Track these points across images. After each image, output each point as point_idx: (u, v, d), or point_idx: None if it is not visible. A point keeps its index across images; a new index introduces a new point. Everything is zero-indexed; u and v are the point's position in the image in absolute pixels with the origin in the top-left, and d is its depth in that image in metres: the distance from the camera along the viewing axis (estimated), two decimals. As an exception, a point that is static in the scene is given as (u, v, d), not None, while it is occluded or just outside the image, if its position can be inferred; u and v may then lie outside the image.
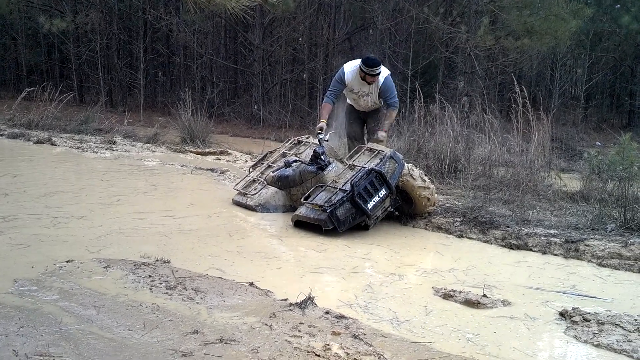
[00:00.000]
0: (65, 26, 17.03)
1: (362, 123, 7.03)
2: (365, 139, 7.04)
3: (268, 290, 3.71)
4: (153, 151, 9.70)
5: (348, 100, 6.96)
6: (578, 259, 5.01)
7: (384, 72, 6.47)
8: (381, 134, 6.38)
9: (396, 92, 6.61)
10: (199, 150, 10.20)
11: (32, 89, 12.01)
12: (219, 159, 9.53)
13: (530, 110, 8.27)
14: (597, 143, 15.73)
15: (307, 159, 6.07)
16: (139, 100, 17.99)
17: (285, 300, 3.54)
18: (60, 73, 21.15)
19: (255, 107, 17.68)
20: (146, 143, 10.39)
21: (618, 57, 22.06)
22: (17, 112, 11.67)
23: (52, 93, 11.57)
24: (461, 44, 15.54)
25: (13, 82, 21.47)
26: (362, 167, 5.59)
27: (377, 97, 6.56)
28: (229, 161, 9.41)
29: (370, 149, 5.92)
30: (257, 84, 18.00)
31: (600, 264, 4.87)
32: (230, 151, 10.28)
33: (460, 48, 15.86)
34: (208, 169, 8.28)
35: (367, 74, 6.31)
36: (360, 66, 6.32)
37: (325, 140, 6.11)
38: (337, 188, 5.46)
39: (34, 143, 9.41)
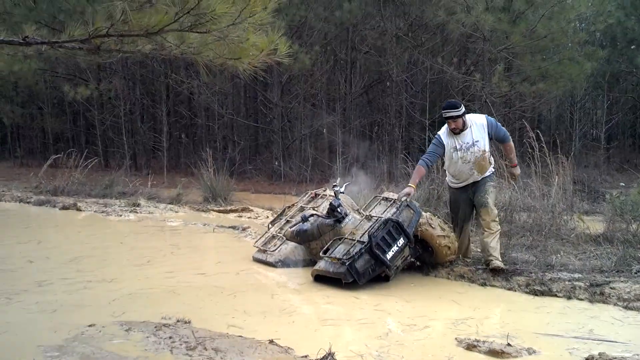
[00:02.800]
0: (89, 94, 17.47)
1: (471, 204, 6.28)
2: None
3: (288, 347, 3.70)
4: (176, 211, 9.84)
5: (451, 182, 6.44)
6: (604, 302, 4.90)
7: (479, 115, 6.25)
8: (515, 170, 6.31)
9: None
10: (221, 208, 10.30)
11: (57, 156, 12.37)
12: (241, 216, 9.61)
13: (548, 154, 8.23)
14: (621, 184, 15.49)
15: (325, 212, 6.10)
16: (162, 162, 18.29)
17: (306, 357, 3.53)
18: (86, 139, 21.66)
19: (276, 163, 17.87)
20: (169, 204, 10.55)
21: (637, 96, 21.93)
22: (43, 179, 11.99)
23: (77, 159, 11.89)
24: (477, 92, 15.63)
25: (40, 151, 21.99)
26: (379, 217, 5.59)
27: (486, 142, 6.04)
28: (250, 218, 9.48)
29: (386, 198, 5.93)
30: (277, 141, 18.23)
31: (626, 307, 4.76)
32: (251, 208, 10.36)
33: (476, 96, 15.95)
34: (230, 227, 8.35)
35: (448, 118, 5.97)
36: (443, 116, 6.06)
37: (341, 192, 6.13)
38: (355, 240, 5.45)
39: (59, 209, 9.63)
